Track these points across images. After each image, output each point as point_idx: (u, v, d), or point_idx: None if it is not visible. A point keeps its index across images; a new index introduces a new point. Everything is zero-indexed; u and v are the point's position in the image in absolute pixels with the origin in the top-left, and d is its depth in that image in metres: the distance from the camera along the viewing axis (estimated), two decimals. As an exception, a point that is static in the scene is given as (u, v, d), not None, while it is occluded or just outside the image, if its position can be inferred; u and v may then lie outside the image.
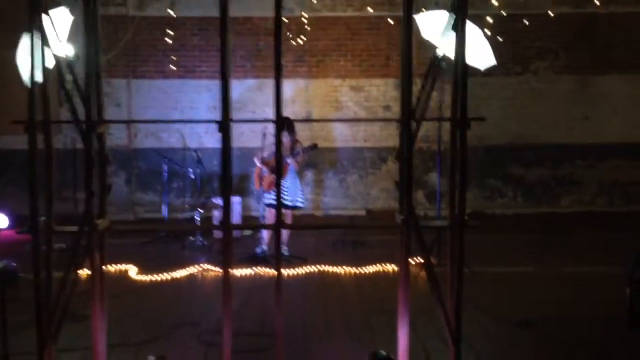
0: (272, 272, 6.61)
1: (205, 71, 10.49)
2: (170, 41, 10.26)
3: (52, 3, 3.72)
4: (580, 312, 5.57)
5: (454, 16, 3.56)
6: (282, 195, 7.61)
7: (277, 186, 3.92)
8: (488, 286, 6.26)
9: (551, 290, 6.27)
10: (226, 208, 3.79)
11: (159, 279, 6.65)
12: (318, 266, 7.10)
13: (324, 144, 10.48)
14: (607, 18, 10.39)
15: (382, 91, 10.55)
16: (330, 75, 10.58)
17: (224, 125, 3.71)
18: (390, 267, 6.98)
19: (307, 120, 11.40)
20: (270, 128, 6.96)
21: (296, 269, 7.02)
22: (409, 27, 3.68)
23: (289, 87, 10.27)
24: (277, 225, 3.81)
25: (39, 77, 3.46)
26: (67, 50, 3.87)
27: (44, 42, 3.48)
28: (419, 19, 6.04)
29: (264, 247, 7.69)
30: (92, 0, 3.67)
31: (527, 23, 9.97)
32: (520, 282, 6.57)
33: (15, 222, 8.64)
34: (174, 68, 10.42)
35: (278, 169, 3.83)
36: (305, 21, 9.85)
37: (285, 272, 6.86)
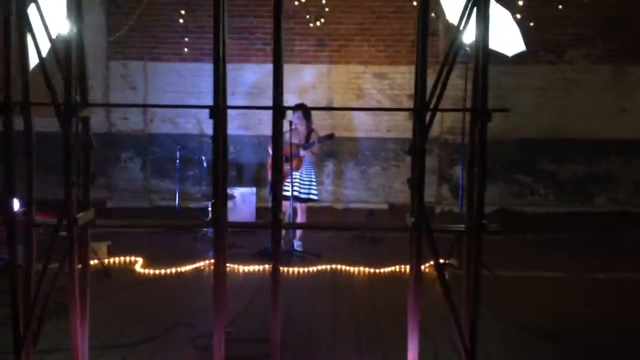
0: (283, 269, 6.26)
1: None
2: (182, 21, 9.90)
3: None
4: (612, 325, 5.05)
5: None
6: (295, 187, 7.26)
7: (274, 180, 3.57)
8: (510, 292, 5.82)
9: (581, 299, 5.77)
10: (223, 205, 3.50)
11: (162, 272, 6.33)
12: (331, 265, 6.67)
13: (345, 134, 10.08)
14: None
15: (408, 79, 10.01)
16: (352, 61, 10.14)
17: (216, 111, 3.41)
18: (407, 269, 6.54)
19: (323, 108, 11.01)
20: (290, 115, 6.58)
21: (308, 267, 6.63)
22: (425, 11, 3.36)
23: (310, 72, 9.82)
24: (274, 225, 3.49)
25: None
26: (60, 30, 3.71)
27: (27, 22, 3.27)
28: (444, 1, 5.60)
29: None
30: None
31: (560, 8, 9.37)
32: (546, 289, 6.07)
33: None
34: (187, 50, 10.08)
35: (275, 161, 3.50)
36: (324, 2, 9.30)
37: (295, 270, 6.52)
